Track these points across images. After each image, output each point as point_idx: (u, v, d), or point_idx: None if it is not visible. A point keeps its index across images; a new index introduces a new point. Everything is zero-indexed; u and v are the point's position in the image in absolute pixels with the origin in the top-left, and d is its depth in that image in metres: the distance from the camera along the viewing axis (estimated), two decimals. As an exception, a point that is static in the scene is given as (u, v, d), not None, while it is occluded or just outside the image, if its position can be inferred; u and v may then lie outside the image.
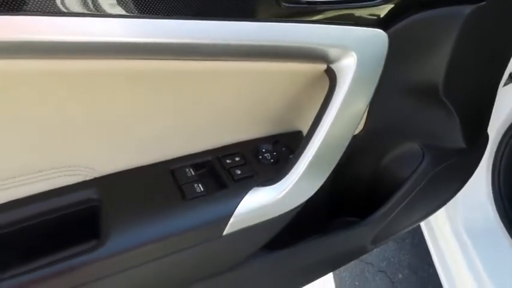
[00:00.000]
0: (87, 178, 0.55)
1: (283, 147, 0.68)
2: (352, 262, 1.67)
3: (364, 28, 0.54)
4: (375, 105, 0.69)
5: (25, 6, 0.37)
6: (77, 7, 0.40)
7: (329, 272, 0.97)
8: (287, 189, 0.59)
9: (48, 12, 0.38)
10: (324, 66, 0.58)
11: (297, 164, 0.59)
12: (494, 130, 1.15)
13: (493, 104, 0.84)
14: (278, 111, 0.67)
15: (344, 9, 0.53)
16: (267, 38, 0.50)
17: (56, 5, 0.39)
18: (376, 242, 0.93)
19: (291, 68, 0.58)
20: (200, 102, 0.58)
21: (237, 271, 0.67)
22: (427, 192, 0.87)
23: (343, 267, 1.69)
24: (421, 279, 1.62)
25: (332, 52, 0.54)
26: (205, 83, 0.56)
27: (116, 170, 0.57)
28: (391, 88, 0.67)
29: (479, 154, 0.94)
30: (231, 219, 0.55)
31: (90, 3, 0.41)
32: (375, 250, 1.72)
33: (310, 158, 0.59)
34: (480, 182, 1.21)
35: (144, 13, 0.42)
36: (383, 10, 0.55)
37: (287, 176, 0.59)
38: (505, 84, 1.03)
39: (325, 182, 0.64)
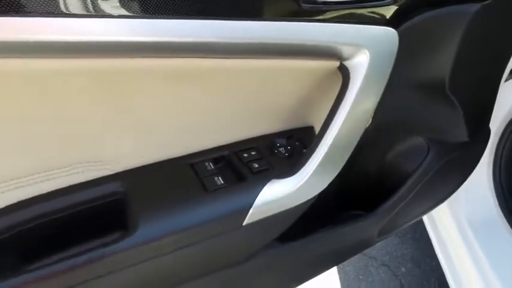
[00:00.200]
0: (112, 172, 0.57)
1: (297, 142, 0.70)
2: (356, 256, 1.70)
3: (376, 26, 0.57)
4: (382, 101, 0.72)
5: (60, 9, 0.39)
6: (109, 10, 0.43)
7: (337, 264, 1.00)
8: (302, 182, 0.61)
9: (79, 14, 0.41)
10: (337, 64, 0.60)
11: (311, 158, 0.62)
12: (496, 124, 1.17)
13: (495, 99, 0.86)
14: (291, 107, 0.69)
15: (357, 8, 0.55)
16: (285, 37, 0.52)
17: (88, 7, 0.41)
18: (382, 234, 0.95)
19: (304, 66, 0.61)
20: (218, 98, 0.60)
21: (251, 262, 0.69)
22: (432, 186, 0.89)
23: (347, 261, 1.72)
24: (424, 272, 1.65)
25: (345, 50, 0.57)
26: (224, 81, 0.58)
27: (138, 164, 0.59)
28: (399, 84, 0.69)
29: (482, 147, 0.96)
30: (251, 210, 0.58)
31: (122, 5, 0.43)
32: (377, 244, 1.75)
33: (324, 152, 0.61)
34: (482, 175, 1.23)
35: (171, 13, 0.44)
36: (393, 9, 0.57)
37: (302, 169, 0.62)
38: (507, 80, 1.06)
39: None
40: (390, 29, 0.58)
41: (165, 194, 0.56)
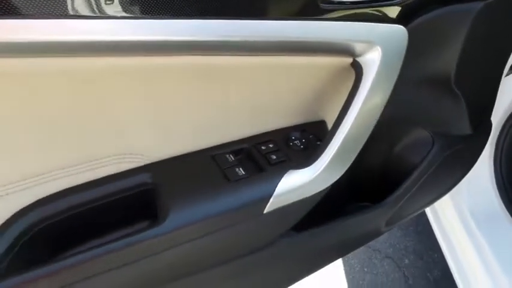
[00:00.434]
0: (141, 164, 0.61)
1: (310, 135, 0.74)
2: (360, 249, 1.74)
3: (387, 24, 0.60)
4: (391, 96, 0.75)
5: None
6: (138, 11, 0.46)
7: (346, 253, 1.03)
8: (318, 172, 0.65)
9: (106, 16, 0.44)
10: (350, 60, 0.63)
11: (326, 150, 0.65)
12: (496, 118, 1.20)
13: (496, 93, 0.90)
14: (305, 102, 0.73)
15: (369, 7, 0.59)
16: (303, 35, 0.56)
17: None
18: (389, 224, 0.99)
19: (319, 62, 0.64)
20: (238, 94, 0.64)
21: (267, 250, 0.73)
22: (437, 177, 0.92)
23: (352, 254, 1.75)
24: (426, 264, 1.69)
25: (358, 47, 0.60)
26: (244, 77, 0.62)
27: (164, 156, 0.63)
28: (407, 79, 0.72)
29: (484, 140, 0.99)
30: (271, 199, 0.61)
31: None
32: (381, 238, 1.78)
33: (338, 144, 0.64)
34: (483, 167, 1.26)
35: (204, 14, 0.48)
36: (403, 8, 0.61)
37: (317, 161, 0.65)
38: (507, 75, 1.09)
39: None
40: (400, 26, 0.61)
41: (191, 184, 0.60)
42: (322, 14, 0.55)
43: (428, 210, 1.47)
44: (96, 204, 0.57)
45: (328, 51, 0.61)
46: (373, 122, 0.68)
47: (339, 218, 0.84)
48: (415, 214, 1.07)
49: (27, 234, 0.53)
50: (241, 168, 0.63)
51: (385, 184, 0.92)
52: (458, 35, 0.67)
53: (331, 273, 1.69)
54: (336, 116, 0.67)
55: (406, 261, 1.71)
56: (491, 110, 0.93)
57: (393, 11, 0.61)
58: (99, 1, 0.44)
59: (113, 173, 0.58)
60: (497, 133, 1.23)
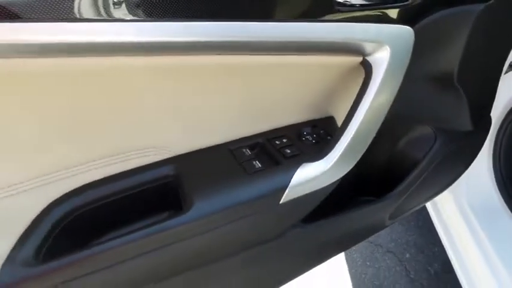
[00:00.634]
0: (164, 157, 0.65)
1: (321, 130, 0.77)
2: (363, 244, 1.78)
3: (395, 25, 0.64)
4: (397, 93, 0.79)
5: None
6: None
7: (353, 245, 1.06)
8: (330, 165, 0.68)
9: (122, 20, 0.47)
10: (359, 59, 0.67)
11: (337, 145, 0.69)
12: (495, 115, 1.23)
13: (496, 90, 0.93)
14: (316, 99, 0.76)
15: (379, 9, 0.62)
16: (317, 36, 0.59)
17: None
18: (393, 217, 1.02)
19: (329, 61, 0.67)
20: (254, 91, 0.67)
21: (279, 240, 0.76)
22: (439, 172, 0.95)
23: (355, 249, 1.79)
24: (427, 257, 1.72)
25: (368, 46, 0.64)
26: (260, 75, 0.65)
27: (186, 150, 0.66)
28: (413, 77, 0.75)
29: (484, 136, 1.02)
30: (287, 190, 0.65)
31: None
32: (383, 233, 1.82)
33: (349, 139, 0.68)
34: (482, 162, 1.29)
35: (230, 18, 0.51)
36: (410, 10, 0.64)
37: (329, 154, 0.69)
38: (506, 72, 1.13)
39: None
40: (407, 27, 0.64)
41: (212, 176, 0.64)
42: (336, 15, 0.58)
43: (429, 205, 1.50)
44: (125, 195, 0.60)
45: (339, 50, 0.64)
46: (382, 118, 0.72)
47: (345, 211, 0.87)
48: (418, 207, 1.10)
49: (63, 222, 0.57)
50: (257, 161, 0.67)
51: (389, 178, 0.95)
52: (461, 35, 0.71)
53: (334, 268, 1.73)
54: (344, 112, 0.70)
55: (407, 255, 1.74)
56: (491, 107, 0.95)
57: (401, 13, 0.64)
58: (123, 9, 0.47)
59: (139, 165, 0.62)
60: (497, 129, 1.26)
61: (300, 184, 0.67)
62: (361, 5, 0.60)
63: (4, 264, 0.52)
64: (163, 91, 0.59)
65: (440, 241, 1.45)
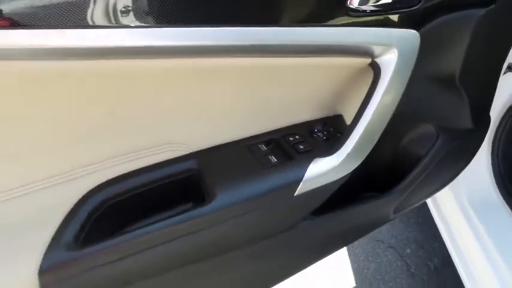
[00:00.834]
0: (186, 153, 0.69)
1: (331, 128, 0.82)
2: (365, 240, 1.82)
3: (403, 29, 0.68)
4: (403, 93, 0.83)
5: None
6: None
7: (359, 237, 1.10)
8: (340, 160, 0.73)
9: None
10: (368, 61, 0.71)
11: (347, 141, 0.73)
12: (495, 113, 1.26)
13: (495, 90, 0.96)
14: (326, 98, 0.81)
15: (388, 15, 0.67)
16: (330, 39, 0.64)
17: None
18: (397, 211, 1.05)
19: (340, 63, 0.71)
20: (269, 91, 0.72)
21: (290, 232, 0.81)
22: (441, 168, 0.98)
23: (357, 244, 1.83)
24: (427, 253, 1.77)
25: (377, 49, 0.68)
26: (275, 76, 0.69)
27: (206, 146, 0.71)
28: (417, 78, 0.79)
29: (483, 133, 1.05)
30: (301, 183, 0.70)
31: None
32: (384, 229, 1.87)
33: (358, 136, 0.72)
34: (482, 160, 1.32)
35: (253, 23, 0.56)
36: (416, 15, 0.68)
37: (340, 150, 0.73)
38: (504, 73, 1.17)
39: None
40: (413, 31, 0.69)
41: (231, 170, 0.68)
42: (350, 21, 0.63)
43: (429, 201, 1.54)
44: (152, 186, 0.65)
45: (350, 52, 0.69)
46: (389, 117, 0.76)
47: (352, 205, 0.91)
48: (421, 202, 1.13)
49: (98, 211, 0.61)
50: (273, 156, 0.71)
51: (393, 174, 0.98)
52: (463, 38, 0.75)
53: (337, 263, 1.77)
54: (352, 110, 0.74)
55: (408, 250, 1.79)
56: (490, 106, 0.99)
57: (408, 18, 0.68)
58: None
59: (164, 160, 0.66)
60: (495, 128, 1.29)
61: (313, 178, 0.71)
62: (372, 11, 0.64)
63: (48, 249, 0.56)
64: (187, 92, 0.63)
65: (439, 237, 1.48)
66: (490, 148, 1.32)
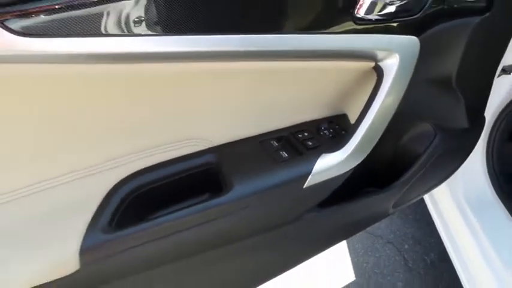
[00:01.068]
0: (204, 147, 0.75)
1: (336, 126, 0.88)
2: (364, 235, 1.88)
3: (404, 36, 0.73)
4: (403, 94, 0.88)
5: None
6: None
7: (359, 231, 1.15)
8: (345, 156, 0.78)
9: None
10: (372, 64, 0.77)
11: (352, 138, 0.78)
12: (489, 114, 1.29)
13: (490, 92, 1.00)
14: (332, 98, 0.87)
15: (390, 23, 0.72)
16: (338, 45, 0.69)
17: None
18: (396, 206, 1.10)
19: (346, 66, 0.77)
20: (281, 92, 0.78)
21: (295, 224, 0.86)
22: (438, 165, 1.03)
23: (356, 239, 1.89)
24: (424, 248, 1.82)
25: (380, 54, 0.73)
26: (286, 79, 0.75)
27: (224, 141, 0.77)
28: (416, 80, 0.83)
29: (478, 133, 1.10)
30: (310, 176, 0.75)
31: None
32: (382, 225, 1.92)
33: (362, 134, 0.77)
34: (477, 158, 1.36)
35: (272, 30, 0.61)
36: (417, 23, 0.73)
37: (345, 147, 0.78)
38: (499, 76, 1.21)
39: None
40: (414, 37, 0.74)
41: (247, 164, 0.74)
42: (357, 29, 0.69)
43: (427, 198, 1.58)
44: (175, 178, 0.71)
45: (355, 57, 0.74)
46: (390, 116, 0.81)
47: (355, 200, 0.96)
48: (419, 198, 1.17)
49: (128, 199, 0.67)
50: (284, 152, 0.77)
51: (392, 170, 1.03)
52: (460, 43, 0.80)
53: (337, 257, 1.82)
54: (356, 109, 0.79)
55: (406, 246, 1.84)
56: (485, 106, 1.03)
57: (409, 25, 0.73)
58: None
59: (186, 153, 0.73)
60: (490, 128, 1.33)
61: (321, 171, 0.77)
62: (377, 20, 0.70)
63: (87, 231, 0.63)
64: (205, 94, 0.69)
65: (436, 233, 1.52)
66: (485, 148, 1.36)
